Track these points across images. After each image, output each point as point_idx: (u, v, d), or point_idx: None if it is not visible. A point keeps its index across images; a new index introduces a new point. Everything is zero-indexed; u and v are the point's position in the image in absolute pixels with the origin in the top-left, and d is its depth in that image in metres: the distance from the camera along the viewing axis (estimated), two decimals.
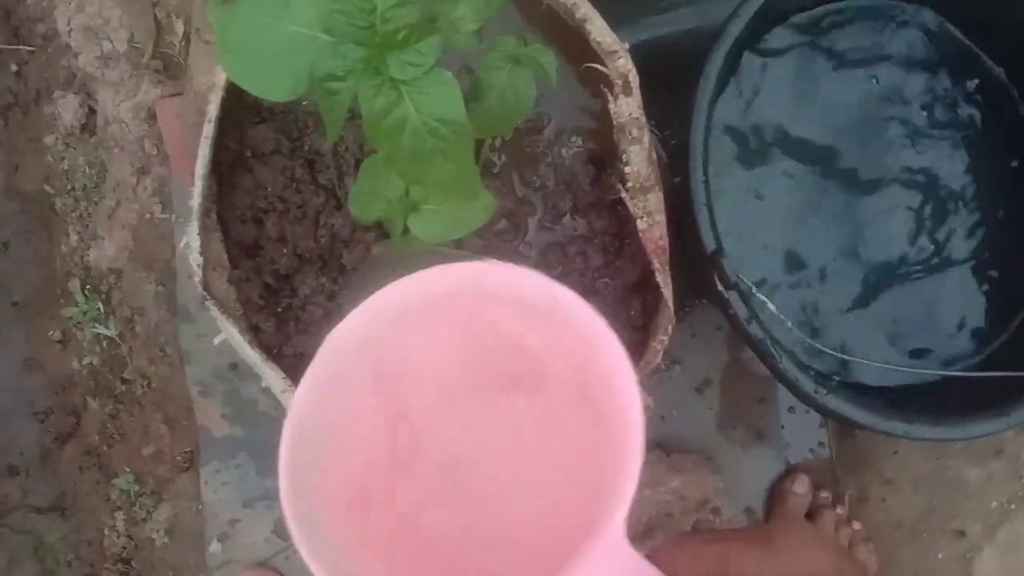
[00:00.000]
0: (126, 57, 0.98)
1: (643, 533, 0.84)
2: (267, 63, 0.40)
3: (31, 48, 1.09)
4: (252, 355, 0.61)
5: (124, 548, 1.03)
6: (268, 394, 0.92)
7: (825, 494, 0.88)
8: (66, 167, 1.04)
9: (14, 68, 1.11)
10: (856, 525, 0.86)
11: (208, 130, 0.59)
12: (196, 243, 0.60)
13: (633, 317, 0.63)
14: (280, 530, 0.92)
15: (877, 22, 0.75)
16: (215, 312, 0.61)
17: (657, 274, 0.54)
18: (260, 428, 0.92)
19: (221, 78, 0.60)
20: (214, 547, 0.93)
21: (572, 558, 0.32)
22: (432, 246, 0.52)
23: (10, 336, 1.11)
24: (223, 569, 0.93)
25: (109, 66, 0.99)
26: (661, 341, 0.56)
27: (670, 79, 0.68)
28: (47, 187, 1.07)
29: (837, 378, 0.72)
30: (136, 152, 0.98)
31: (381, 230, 0.61)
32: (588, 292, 0.63)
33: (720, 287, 0.65)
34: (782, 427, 0.90)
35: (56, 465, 1.09)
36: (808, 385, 0.66)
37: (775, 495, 0.89)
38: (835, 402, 0.66)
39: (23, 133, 1.12)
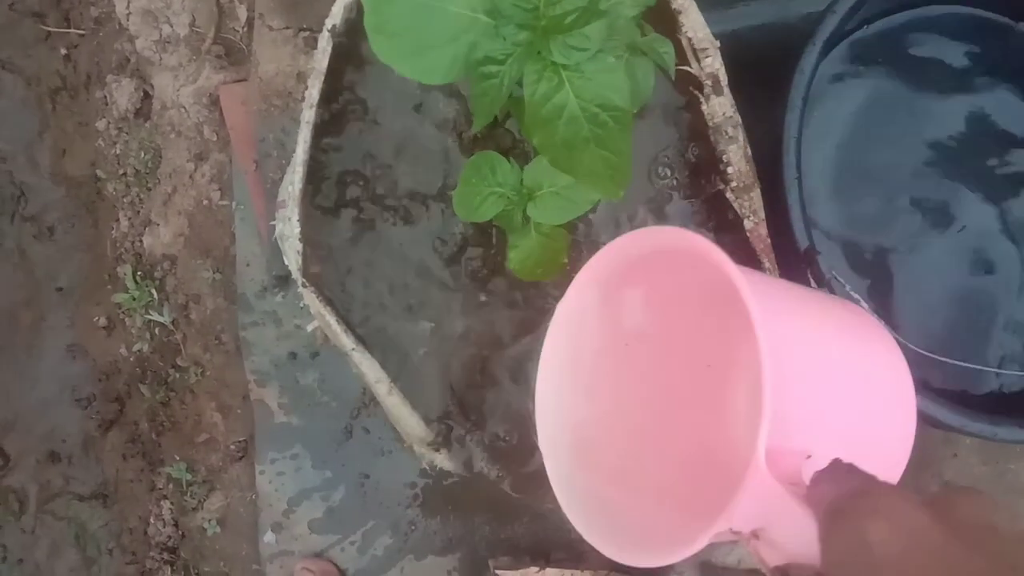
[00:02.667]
0: (186, 42, 0.97)
1: None
2: (424, 46, 0.39)
3: (82, 32, 1.08)
4: (347, 342, 0.60)
5: (170, 537, 1.02)
6: (326, 385, 0.92)
7: None
8: (118, 152, 1.04)
9: (63, 52, 1.10)
10: None
11: (309, 115, 0.59)
12: (296, 229, 0.59)
13: None
14: (335, 522, 0.91)
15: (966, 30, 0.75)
16: (311, 299, 0.61)
17: (768, 273, 0.54)
18: (317, 419, 0.91)
19: (323, 63, 0.59)
20: (268, 537, 0.92)
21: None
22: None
23: (55, 322, 1.10)
24: (277, 560, 0.92)
25: (168, 51, 0.98)
26: None
27: (736, 76, 0.67)
28: (97, 172, 1.06)
29: (923, 380, 0.72)
30: (194, 138, 0.97)
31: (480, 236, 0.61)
32: None
33: (813, 284, 0.65)
34: None
35: (99, 452, 1.09)
36: None
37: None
38: (924, 403, 0.66)
39: (71, 117, 1.11)
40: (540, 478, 0.60)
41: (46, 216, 1.12)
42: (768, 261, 0.55)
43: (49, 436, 1.10)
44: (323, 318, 0.61)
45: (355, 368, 0.63)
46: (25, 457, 1.09)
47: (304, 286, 0.59)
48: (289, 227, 0.60)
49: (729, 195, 0.55)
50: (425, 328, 0.63)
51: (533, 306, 0.62)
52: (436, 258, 0.63)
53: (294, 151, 0.60)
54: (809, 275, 0.65)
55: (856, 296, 0.66)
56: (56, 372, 1.10)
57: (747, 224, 0.55)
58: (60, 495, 1.09)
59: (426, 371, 0.63)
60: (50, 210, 1.11)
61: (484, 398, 0.63)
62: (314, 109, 0.59)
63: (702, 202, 0.59)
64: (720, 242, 0.64)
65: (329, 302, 0.61)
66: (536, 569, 0.83)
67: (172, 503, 1.00)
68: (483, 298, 0.62)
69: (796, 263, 0.65)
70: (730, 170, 0.56)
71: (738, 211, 0.55)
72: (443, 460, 0.62)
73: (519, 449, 0.62)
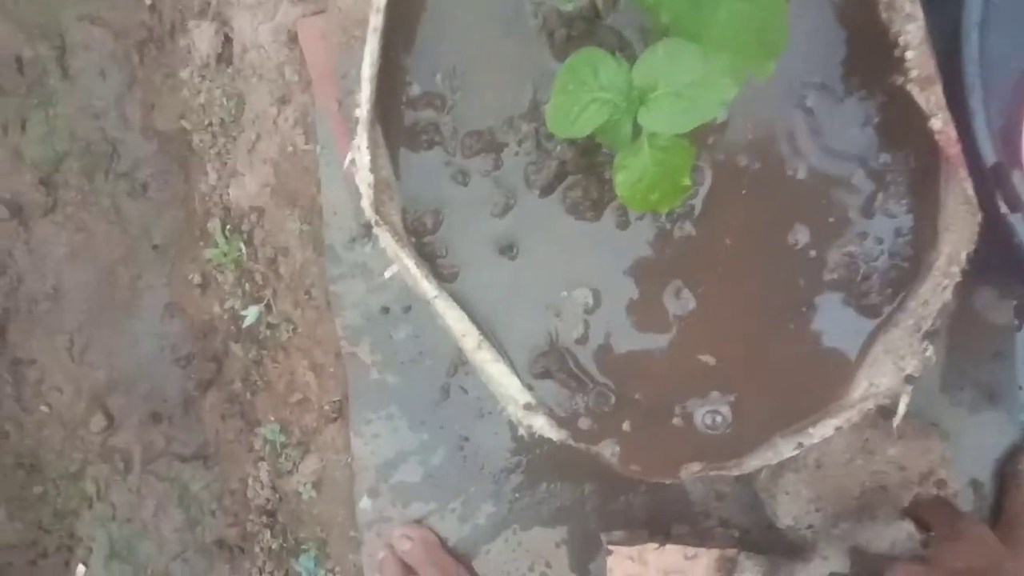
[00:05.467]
0: None
1: (857, 509, 0.72)
2: None
3: None
4: (427, 287, 0.52)
5: (268, 500, 0.98)
6: (420, 341, 0.84)
7: None
8: (202, 101, 0.99)
9: (148, 1, 1.06)
10: None
11: (376, 20, 0.50)
12: (365, 159, 0.51)
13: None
14: (433, 487, 0.84)
15: None
16: (386, 239, 0.52)
17: (964, 183, 0.42)
18: (413, 377, 0.84)
19: None
20: (364, 503, 0.87)
21: None
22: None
23: (152, 281, 1.08)
24: (374, 527, 0.87)
25: None
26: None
27: None
28: (184, 123, 1.02)
29: None
30: (276, 80, 0.91)
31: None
32: None
33: (1004, 208, 0.52)
34: (1020, 387, 0.76)
35: (199, 413, 1.06)
36: None
37: (1008, 475, 0.76)
38: None
39: (159, 70, 1.07)
40: (658, 444, 0.51)
41: (139, 172, 1.09)
42: (962, 169, 0.43)
43: (150, 396, 1.08)
44: (401, 261, 0.53)
45: (440, 320, 0.55)
46: (128, 417, 1.08)
47: (377, 224, 0.51)
48: (360, 156, 0.52)
49: (912, 87, 0.43)
50: (520, 270, 0.54)
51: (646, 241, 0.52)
52: (528, 189, 0.53)
53: None
54: (999, 198, 0.52)
55: None
56: (155, 331, 1.08)
57: (935, 124, 0.43)
58: (163, 455, 1.07)
59: (522, 321, 0.54)
60: (142, 166, 1.08)
61: (593, 348, 0.54)
62: (381, 14, 0.50)
63: (873, 102, 0.46)
64: (900, 151, 0.51)
65: (407, 243, 0.53)
66: (655, 546, 0.73)
67: (269, 465, 0.96)
68: (587, 232, 0.52)
69: (982, 182, 0.52)
70: (909, 55, 0.44)
71: (923, 107, 0.42)
72: (543, 425, 0.53)
73: (634, 407, 0.52)
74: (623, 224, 0.53)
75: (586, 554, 0.81)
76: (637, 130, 0.44)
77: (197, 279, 1.04)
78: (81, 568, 1.10)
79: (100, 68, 1.08)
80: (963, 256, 0.46)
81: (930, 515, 0.66)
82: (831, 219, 0.51)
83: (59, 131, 1.08)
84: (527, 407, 0.53)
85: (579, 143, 0.51)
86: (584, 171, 0.52)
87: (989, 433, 0.77)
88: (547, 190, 0.52)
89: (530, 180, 0.52)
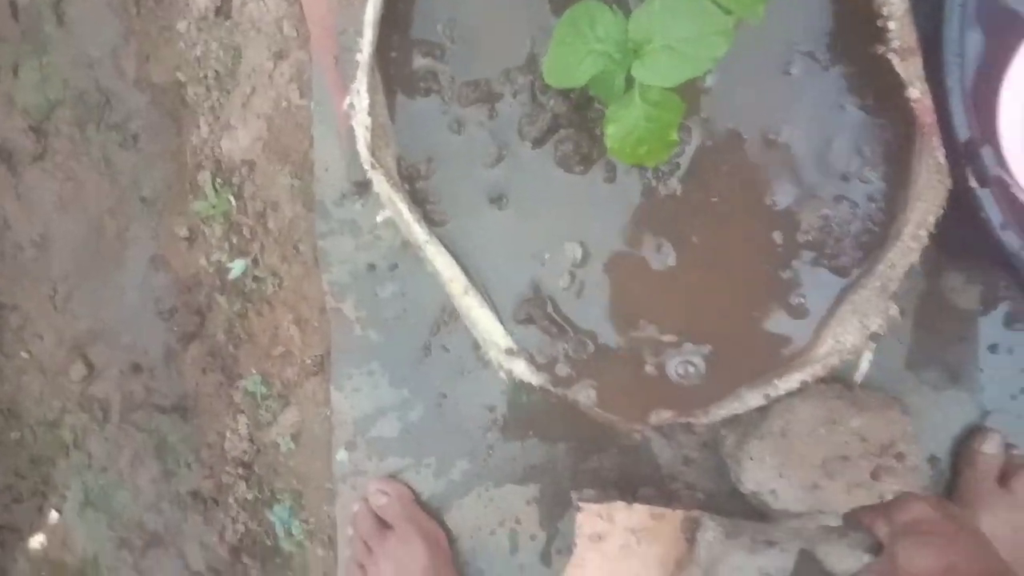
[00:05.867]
0: None
1: (819, 478, 0.74)
2: None
3: None
4: (419, 232, 0.54)
5: (245, 452, 1.00)
6: (405, 299, 0.86)
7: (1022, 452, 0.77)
8: (199, 54, 0.99)
9: None
10: None
11: None
12: (364, 102, 0.52)
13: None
14: (411, 442, 0.86)
15: None
16: (380, 183, 0.54)
17: (936, 152, 0.44)
18: (396, 334, 0.86)
19: None
20: (341, 456, 0.88)
21: None
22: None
23: (139, 233, 1.09)
24: (350, 480, 0.88)
25: None
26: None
27: None
28: (179, 76, 1.02)
29: None
30: (274, 34, 0.92)
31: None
32: None
33: (974, 183, 0.54)
34: (980, 370, 0.79)
35: (180, 365, 1.07)
36: None
37: (963, 454, 0.79)
38: None
39: (155, 21, 1.08)
40: (631, 391, 0.53)
41: (131, 124, 1.09)
42: (936, 138, 0.45)
43: (132, 347, 1.09)
44: (394, 205, 0.54)
45: (429, 266, 0.56)
46: (109, 367, 1.09)
47: (373, 167, 0.53)
48: (358, 100, 0.53)
49: (893, 57, 0.45)
50: (508, 219, 0.55)
51: (632, 197, 0.54)
52: (521, 140, 0.55)
53: None
54: (969, 173, 0.54)
55: None
56: (140, 283, 1.09)
57: (912, 93, 0.45)
58: (142, 407, 1.08)
59: (508, 269, 0.56)
60: (135, 117, 1.09)
61: (575, 297, 0.56)
62: None
63: (855, 71, 0.49)
64: (879, 117, 0.53)
65: (401, 187, 0.54)
66: (624, 505, 0.76)
67: (248, 418, 0.98)
68: (575, 185, 0.54)
69: (955, 158, 0.54)
70: (892, 25, 0.46)
71: (903, 77, 0.45)
72: (523, 370, 0.55)
73: (611, 356, 0.54)
74: (610, 179, 0.54)
75: (556, 512, 0.83)
76: (630, 83, 0.46)
77: (184, 232, 1.05)
78: (54, 515, 1.11)
79: (96, 17, 1.08)
80: (930, 220, 0.48)
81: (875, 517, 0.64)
82: (809, 183, 0.54)
83: (52, 79, 1.08)
84: (508, 352, 0.55)
85: (572, 97, 0.53)
86: (576, 125, 0.54)
87: (950, 412, 0.79)
88: (539, 142, 0.54)
89: (523, 131, 0.54)
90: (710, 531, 0.73)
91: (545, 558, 0.83)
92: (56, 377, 1.10)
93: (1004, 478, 0.76)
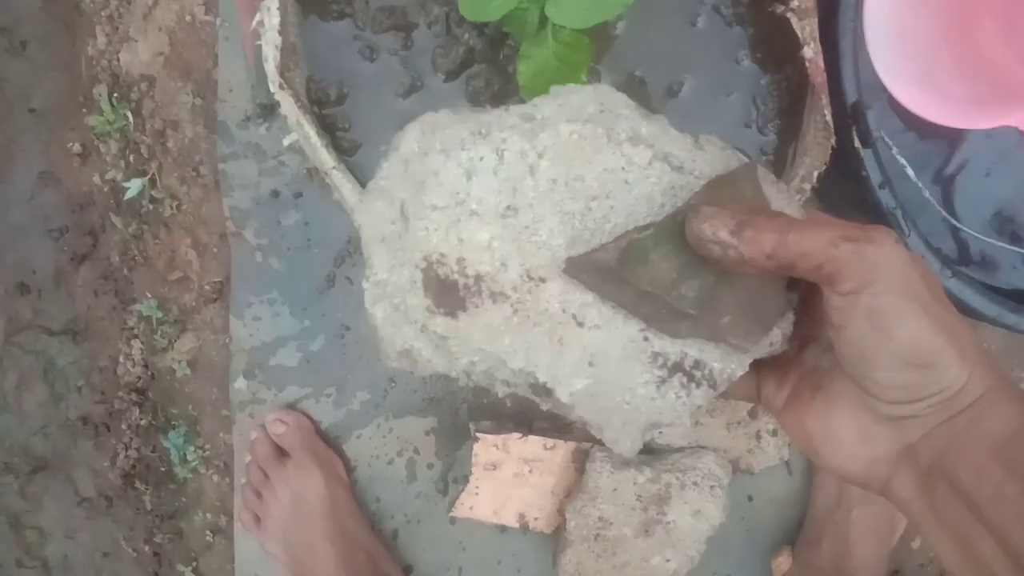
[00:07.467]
0: None
1: (702, 412, 0.79)
2: None
3: None
4: (326, 158, 0.53)
5: (139, 378, 0.98)
6: (309, 229, 0.85)
7: None
8: None
9: None
10: None
11: None
12: (275, 19, 0.51)
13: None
14: (311, 372, 0.86)
15: None
16: (288, 106, 0.53)
17: (824, 110, 0.47)
18: (298, 264, 0.85)
19: None
20: (239, 383, 0.88)
21: None
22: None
23: (26, 146, 1.03)
24: (248, 408, 0.88)
25: None
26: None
27: None
28: None
29: (964, 269, 0.65)
30: None
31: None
32: None
33: (857, 143, 0.58)
34: None
35: (71, 287, 1.03)
36: (934, 264, 0.60)
37: None
38: (959, 287, 0.60)
39: None
40: None
41: (20, 29, 1.02)
42: (824, 96, 0.48)
43: (19, 266, 1.04)
44: (301, 129, 0.54)
45: (336, 193, 0.56)
46: None
47: (281, 88, 0.52)
48: (268, 17, 0.52)
49: (792, 16, 0.47)
50: None
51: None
52: (434, 72, 0.55)
53: None
54: (854, 133, 0.58)
55: (903, 161, 0.59)
56: (27, 200, 1.03)
57: (807, 52, 0.48)
58: (29, 328, 1.04)
59: None
60: (24, 22, 1.02)
61: None
62: None
63: (756, 30, 0.50)
64: (776, 76, 0.56)
65: (309, 111, 0.54)
66: (519, 436, 0.79)
67: (142, 343, 0.95)
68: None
69: (842, 118, 0.58)
70: None
71: (799, 36, 0.47)
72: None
73: None
74: None
75: (453, 442, 0.85)
76: (543, 23, 0.46)
77: (77, 148, 1.00)
78: None
79: None
80: (814, 175, 0.51)
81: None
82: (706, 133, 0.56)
83: None
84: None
85: (487, 33, 0.53)
86: (489, 61, 0.54)
87: None
88: (452, 75, 0.54)
89: (437, 63, 0.54)
90: (598, 461, 0.77)
91: (441, 486, 0.86)
92: None
93: None
